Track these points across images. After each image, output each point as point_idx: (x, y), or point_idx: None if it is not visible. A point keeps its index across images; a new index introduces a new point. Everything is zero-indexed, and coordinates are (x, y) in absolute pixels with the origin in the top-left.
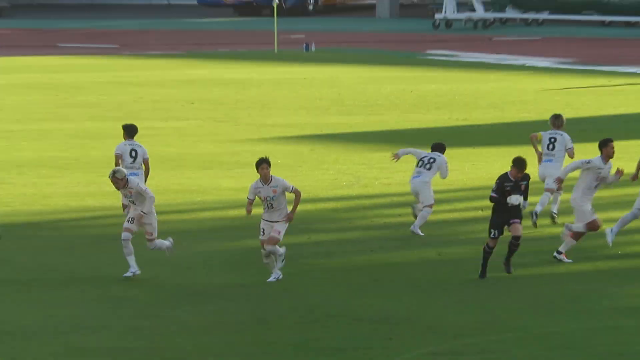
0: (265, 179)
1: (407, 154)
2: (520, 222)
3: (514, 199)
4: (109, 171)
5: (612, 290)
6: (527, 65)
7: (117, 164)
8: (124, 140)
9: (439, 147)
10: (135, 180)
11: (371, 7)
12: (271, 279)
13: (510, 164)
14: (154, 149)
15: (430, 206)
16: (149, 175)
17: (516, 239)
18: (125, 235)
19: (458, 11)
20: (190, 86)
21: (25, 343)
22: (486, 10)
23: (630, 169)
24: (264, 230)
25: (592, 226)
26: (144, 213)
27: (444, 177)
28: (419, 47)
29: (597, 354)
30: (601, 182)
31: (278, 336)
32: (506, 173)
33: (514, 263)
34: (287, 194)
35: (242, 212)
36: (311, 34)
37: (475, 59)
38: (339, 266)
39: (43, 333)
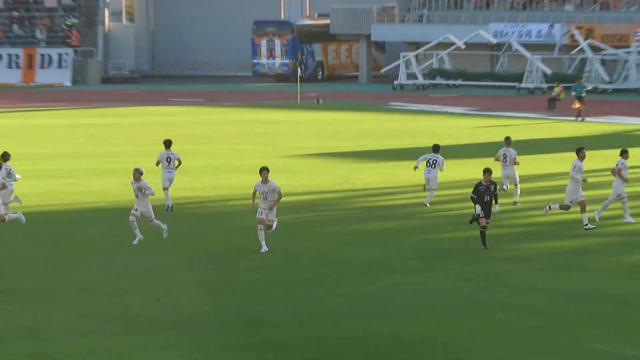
0: (264, 180)
1: (420, 161)
2: (488, 218)
3: (478, 209)
4: (207, 174)
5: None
6: (448, 111)
7: (157, 164)
8: (164, 150)
9: (436, 148)
10: (145, 180)
11: (356, 77)
12: (262, 250)
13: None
14: (226, 162)
15: (435, 189)
16: (180, 167)
17: (483, 228)
18: (131, 218)
19: (407, 79)
20: (246, 124)
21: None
22: (424, 78)
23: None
24: (262, 212)
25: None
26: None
27: (441, 170)
28: (384, 100)
29: None
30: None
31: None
32: (480, 180)
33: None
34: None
35: (286, 197)
36: (320, 92)
37: (417, 108)
38: (335, 231)
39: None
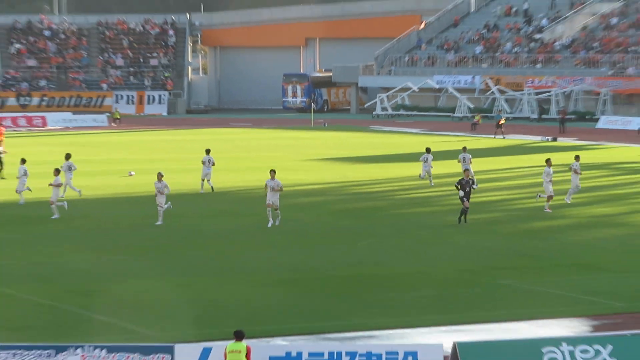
0: (272, 178)
1: (421, 161)
2: (468, 201)
3: (461, 193)
4: (250, 172)
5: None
6: (408, 131)
7: (203, 163)
8: (205, 155)
9: (428, 150)
10: (164, 181)
11: (348, 109)
12: (269, 225)
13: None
14: (262, 164)
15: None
16: (216, 166)
17: (466, 208)
18: (159, 208)
19: (382, 111)
20: (278, 139)
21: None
22: (393, 110)
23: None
24: (269, 199)
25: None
26: (163, 192)
27: (430, 166)
28: (367, 124)
29: None
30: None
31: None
32: (462, 177)
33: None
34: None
35: (301, 186)
36: (325, 119)
37: (389, 129)
38: (336, 208)
39: None
